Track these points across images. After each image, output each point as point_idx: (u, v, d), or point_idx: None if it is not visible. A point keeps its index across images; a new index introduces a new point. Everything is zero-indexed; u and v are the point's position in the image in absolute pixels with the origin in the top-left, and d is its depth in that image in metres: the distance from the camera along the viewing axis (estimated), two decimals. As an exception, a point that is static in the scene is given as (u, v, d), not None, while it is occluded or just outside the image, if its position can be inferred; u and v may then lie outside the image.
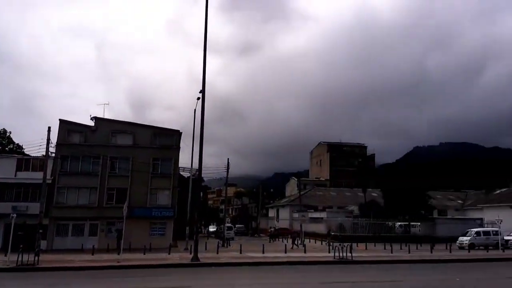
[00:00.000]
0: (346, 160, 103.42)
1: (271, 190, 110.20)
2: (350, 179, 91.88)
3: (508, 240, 37.09)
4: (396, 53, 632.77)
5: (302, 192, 60.99)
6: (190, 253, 25.83)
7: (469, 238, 36.67)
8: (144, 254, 27.73)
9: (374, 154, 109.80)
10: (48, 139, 28.02)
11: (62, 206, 36.22)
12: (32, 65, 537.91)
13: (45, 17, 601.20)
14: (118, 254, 24.01)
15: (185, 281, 16.23)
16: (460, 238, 37.58)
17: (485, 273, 19.30)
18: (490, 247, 34.97)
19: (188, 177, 41.26)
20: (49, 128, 28.11)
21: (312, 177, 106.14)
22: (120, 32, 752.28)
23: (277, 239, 49.01)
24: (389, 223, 47.82)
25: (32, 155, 37.62)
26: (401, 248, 33.65)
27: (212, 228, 68.94)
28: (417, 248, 34.47)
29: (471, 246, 35.16)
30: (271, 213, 78.56)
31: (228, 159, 43.49)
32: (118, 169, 38.19)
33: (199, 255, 23.44)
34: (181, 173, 45.40)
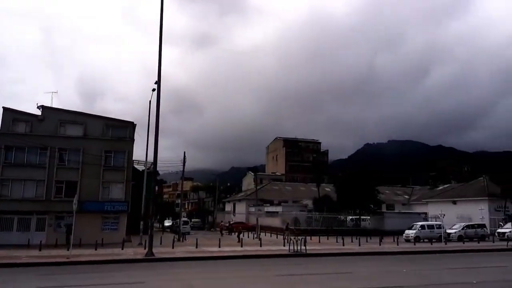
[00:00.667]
0: (301, 156, 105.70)
1: (228, 184, 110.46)
2: (305, 174, 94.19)
3: (450, 233, 39.43)
4: (348, 52, 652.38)
5: (258, 187, 61.63)
6: (145, 248, 25.39)
7: (414, 231, 38.66)
8: (96, 249, 26.79)
9: (327, 150, 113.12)
10: (-9, 128, 26.24)
11: (6, 199, 34.16)
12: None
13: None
14: (68, 249, 23.08)
15: (138, 277, 15.86)
16: (406, 231, 39.50)
17: (428, 264, 20.51)
18: (433, 240, 37.02)
19: (143, 171, 40.40)
20: (-8, 116, 26.38)
21: (269, 171, 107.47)
22: (71, 17, 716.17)
23: (233, 233, 49.19)
24: (341, 217, 49.48)
25: (-28, 145, 35.09)
26: (352, 241, 34.94)
27: (167, 223, 67.86)
28: (367, 241, 35.98)
29: (417, 239, 37.09)
30: (228, 207, 78.63)
31: (184, 152, 43.31)
32: (67, 161, 36.53)
33: (154, 250, 23.06)
34: (136, 166, 44.47)
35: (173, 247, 27.99)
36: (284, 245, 28.96)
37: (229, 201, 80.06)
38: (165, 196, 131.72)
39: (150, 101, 34.71)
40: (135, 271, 17.75)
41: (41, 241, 28.34)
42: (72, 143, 36.65)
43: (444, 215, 38.31)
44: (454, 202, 52.12)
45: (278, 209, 55.27)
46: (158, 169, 42.28)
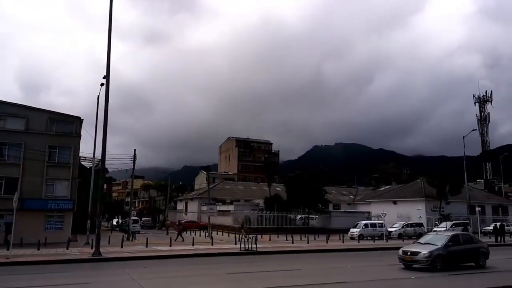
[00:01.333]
0: (253, 156, 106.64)
1: (180, 183, 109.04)
2: (257, 174, 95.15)
3: (391, 231, 41.72)
4: (297, 58, 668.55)
5: (211, 186, 61.35)
6: (91, 248, 24.57)
7: (359, 229, 40.57)
8: (39, 249, 25.52)
9: (278, 151, 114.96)
10: None
11: None
12: None
13: None
14: (8, 249, 21.83)
15: (84, 277, 15.41)
16: (351, 230, 41.34)
17: (371, 261, 21.77)
18: (376, 238, 38.95)
19: (90, 168, 38.95)
20: None
21: (221, 171, 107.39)
22: (8, 2, 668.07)
23: (185, 232, 48.65)
24: (291, 215, 50.75)
25: None
26: (301, 239, 35.97)
27: (116, 222, 65.77)
28: (315, 239, 37.23)
29: (361, 236, 38.87)
30: (180, 206, 77.61)
31: (134, 150, 42.65)
32: (7, 157, 34.45)
33: (102, 250, 22.43)
34: (83, 163, 42.83)
35: (122, 247, 27.33)
36: (235, 244, 29.27)
37: (181, 200, 79.03)
38: (115, 194, 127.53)
39: (98, 96, 33.57)
40: (80, 272, 17.23)
41: (-24, 241, 26.54)
42: (13, 137, 34.54)
43: (386, 214, 40.57)
44: (395, 202, 55.04)
45: (230, 208, 55.51)
46: (107, 166, 41.07)
